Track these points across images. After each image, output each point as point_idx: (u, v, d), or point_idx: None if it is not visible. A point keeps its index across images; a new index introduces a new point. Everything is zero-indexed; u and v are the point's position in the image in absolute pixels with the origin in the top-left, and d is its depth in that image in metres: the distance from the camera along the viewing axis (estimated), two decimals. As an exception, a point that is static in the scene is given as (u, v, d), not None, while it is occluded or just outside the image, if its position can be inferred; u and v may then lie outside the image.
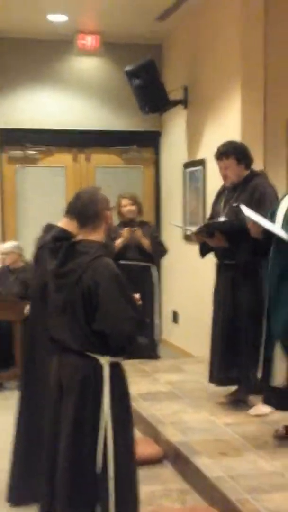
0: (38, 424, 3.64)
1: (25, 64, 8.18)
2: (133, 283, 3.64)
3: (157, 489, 4.06)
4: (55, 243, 3.21)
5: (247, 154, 4.97)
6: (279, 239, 4.08)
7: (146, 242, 6.69)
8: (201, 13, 7.10)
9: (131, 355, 3.54)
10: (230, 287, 4.92)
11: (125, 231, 6.68)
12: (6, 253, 6.95)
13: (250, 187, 4.85)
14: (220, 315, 5.02)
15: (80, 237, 3.17)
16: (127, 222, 6.82)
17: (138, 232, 6.69)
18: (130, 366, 6.19)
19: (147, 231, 6.79)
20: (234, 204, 4.76)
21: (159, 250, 6.86)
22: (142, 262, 6.71)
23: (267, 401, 4.51)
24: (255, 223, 4.30)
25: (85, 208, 3.13)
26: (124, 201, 6.87)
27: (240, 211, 4.44)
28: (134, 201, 6.90)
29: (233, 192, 4.95)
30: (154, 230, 7.17)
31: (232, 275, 4.91)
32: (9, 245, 7.08)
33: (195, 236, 5.03)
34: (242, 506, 3.46)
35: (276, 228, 4.15)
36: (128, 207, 6.83)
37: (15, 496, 3.94)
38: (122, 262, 6.28)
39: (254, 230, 4.36)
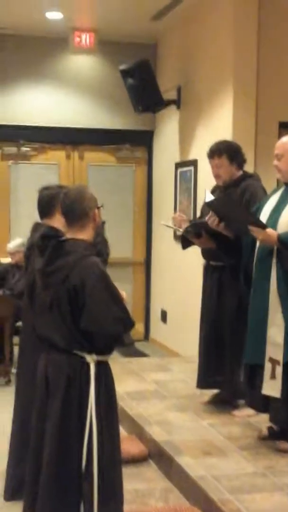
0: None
1: (19, 61, 8.19)
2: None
3: (140, 488, 4.09)
4: (43, 241, 3.22)
5: (240, 153, 4.94)
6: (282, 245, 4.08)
7: None
8: (196, 15, 7.12)
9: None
10: (216, 289, 4.94)
11: None
12: (12, 253, 7.12)
13: (241, 188, 4.85)
14: (206, 318, 5.04)
15: (68, 235, 3.18)
16: None
17: None
18: (117, 365, 6.24)
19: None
20: (207, 198, 4.76)
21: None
22: None
23: (249, 404, 4.53)
24: (212, 216, 4.34)
25: (72, 207, 3.14)
26: None
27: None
28: None
29: (224, 192, 4.95)
30: (100, 229, 7.11)
31: (218, 277, 4.93)
32: (14, 244, 7.20)
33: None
34: (224, 506, 3.49)
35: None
36: None
37: (10, 490, 3.98)
38: None
39: (211, 222, 4.42)
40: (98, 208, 3.21)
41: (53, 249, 3.13)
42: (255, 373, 4.26)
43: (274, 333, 4.11)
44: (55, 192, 3.86)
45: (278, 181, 6.09)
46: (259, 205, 4.45)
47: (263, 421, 4.60)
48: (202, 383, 5.10)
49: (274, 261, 4.12)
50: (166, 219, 7.84)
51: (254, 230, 4.11)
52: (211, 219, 4.50)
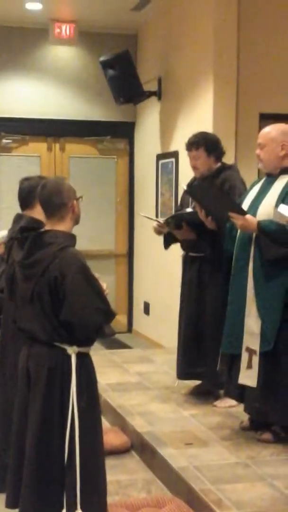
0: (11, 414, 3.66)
1: (-1, 52, 8.14)
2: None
3: (123, 479, 4.10)
4: (22, 233, 3.21)
5: (218, 146, 4.94)
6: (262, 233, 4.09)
7: None
8: (176, 5, 7.10)
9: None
10: (196, 280, 4.95)
11: None
12: None
13: (220, 179, 4.85)
14: (185, 309, 5.05)
15: (47, 227, 3.17)
16: None
17: None
18: (100, 357, 6.25)
19: None
20: (184, 187, 4.77)
21: None
22: None
23: (226, 394, 4.55)
24: (200, 208, 4.40)
25: (50, 199, 3.12)
26: None
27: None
28: None
29: (203, 180, 4.95)
30: None
31: (197, 268, 4.94)
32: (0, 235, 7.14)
33: (156, 228, 5.04)
34: (206, 496, 3.50)
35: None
36: None
37: None
38: None
39: (201, 215, 4.47)
40: (77, 199, 3.20)
41: (32, 241, 3.12)
42: (232, 363, 4.27)
43: (251, 322, 4.12)
44: (35, 183, 3.84)
45: (258, 172, 6.13)
46: (241, 197, 4.46)
47: (244, 411, 4.63)
48: (182, 374, 5.11)
49: (252, 249, 4.13)
50: (147, 211, 7.87)
51: (233, 216, 4.12)
52: (199, 211, 4.54)
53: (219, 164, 4.95)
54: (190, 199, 4.98)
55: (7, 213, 7.61)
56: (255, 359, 4.10)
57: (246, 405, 4.30)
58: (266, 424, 4.30)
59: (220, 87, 6.25)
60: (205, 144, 4.86)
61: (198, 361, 4.94)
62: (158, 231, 5.08)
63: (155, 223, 5.07)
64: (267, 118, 6.12)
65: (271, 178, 4.25)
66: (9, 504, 3.24)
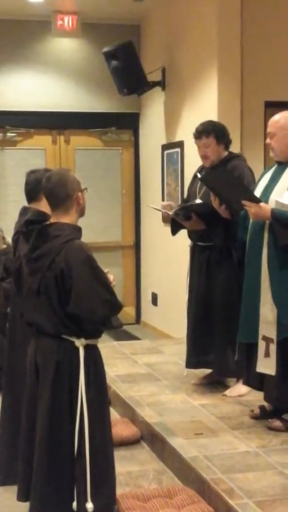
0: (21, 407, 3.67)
1: (2, 45, 8.11)
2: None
3: (134, 470, 4.10)
4: (28, 227, 3.20)
5: (226, 133, 4.92)
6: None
7: None
8: (179, -6, 7.07)
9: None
10: (205, 269, 4.93)
11: None
12: None
13: (228, 168, 4.83)
14: (194, 298, 5.04)
15: (52, 219, 3.16)
16: None
17: None
18: (109, 348, 6.26)
19: None
20: (198, 175, 4.76)
21: None
22: None
23: (246, 383, 4.53)
24: (214, 197, 4.38)
25: (55, 191, 3.12)
26: None
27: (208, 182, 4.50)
28: None
29: (215, 168, 4.92)
30: None
31: (206, 257, 4.92)
32: None
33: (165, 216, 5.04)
34: (217, 486, 3.50)
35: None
36: None
37: (2, 476, 3.98)
38: None
39: (215, 204, 4.46)
40: (82, 191, 3.19)
41: (38, 234, 3.12)
42: (251, 352, 4.27)
43: (267, 311, 4.11)
44: (41, 176, 3.83)
45: (265, 161, 6.11)
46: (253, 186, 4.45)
47: (254, 400, 4.62)
48: (191, 363, 5.11)
49: (266, 237, 4.11)
50: (153, 202, 7.86)
51: (247, 204, 4.10)
52: (213, 200, 4.53)
53: (226, 153, 4.94)
54: (198, 189, 4.97)
55: (13, 206, 7.63)
56: (273, 347, 4.09)
57: (266, 393, 4.30)
58: (277, 413, 4.29)
59: (225, 75, 6.22)
60: (214, 132, 4.84)
61: (207, 349, 4.94)
62: (166, 219, 5.07)
63: (163, 209, 5.08)
64: (272, 106, 6.10)
65: (282, 165, 4.23)
66: (20, 497, 3.26)
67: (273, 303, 4.08)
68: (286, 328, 4.05)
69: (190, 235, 5.08)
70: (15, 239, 3.96)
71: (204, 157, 4.93)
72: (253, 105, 6.33)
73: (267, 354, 4.14)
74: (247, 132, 6.25)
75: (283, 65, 6.42)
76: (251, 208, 4.09)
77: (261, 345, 4.16)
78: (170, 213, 4.98)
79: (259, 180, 4.40)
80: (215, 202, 4.58)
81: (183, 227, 5.08)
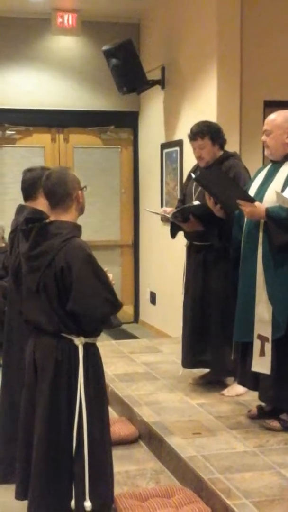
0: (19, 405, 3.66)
1: (2, 43, 8.09)
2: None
3: (131, 469, 4.10)
4: (27, 225, 3.19)
5: (221, 134, 4.92)
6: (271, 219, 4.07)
7: None
8: (179, -7, 7.06)
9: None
10: (201, 268, 4.93)
11: None
12: None
13: (224, 168, 4.82)
14: (190, 297, 5.04)
15: (52, 218, 3.16)
16: None
17: None
18: (107, 347, 6.25)
19: None
20: (193, 176, 4.75)
21: None
22: None
23: (240, 382, 4.53)
24: (209, 196, 4.37)
25: (55, 189, 3.11)
26: None
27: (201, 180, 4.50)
28: None
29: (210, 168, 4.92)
30: None
31: (202, 256, 4.92)
32: None
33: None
34: (214, 486, 3.50)
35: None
36: None
37: (1, 473, 3.98)
38: None
39: (210, 203, 4.46)
40: (81, 189, 3.19)
41: (38, 232, 3.11)
42: (246, 351, 4.26)
43: (262, 310, 4.11)
44: (37, 175, 3.83)
45: (263, 159, 6.10)
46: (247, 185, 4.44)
47: (252, 400, 4.62)
48: (187, 363, 5.10)
49: (260, 236, 4.11)
50: (152, 201, 7.85)
51: (242, 204, 4.10)
52: (207, 199, 4.53)
53: (221, 153, 4.93)
54: (193, 189, 4.96)
55: (12, 205, 7.59)
56: (268, 346, 4.09)
57: (261, 393, 4.29)
58: (274, 412, 4.29)
59: (224, 74, 6.21)
60: (209, 133, 4.84)
61: (203, 349, 4.94)
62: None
63: (161, 212, 5.08)
64: (271, 105, 6.08)
65: (276, 164, 4.24)
66: (18, 495, 3.26)
67: (268, 301, 4.08)
68: (281, 326, 4.05)
69: (186, 235, 5.08)
70: (11, 237, 3.96)
71: (199, 158, 4.94)
72: (252, 104, 6.32)
73: (262, 353, 4.13)
74: (246, 131, 6.24)
75: (283, 64, 6.41)
76: (245, 207, 4.09)
77: (256, 344, 4.16)
78: (168, 215, 4.97)
79: (253, 179, 4.40)
80: (209, 202, 4.58)
81: (182, 229, 5.08)
